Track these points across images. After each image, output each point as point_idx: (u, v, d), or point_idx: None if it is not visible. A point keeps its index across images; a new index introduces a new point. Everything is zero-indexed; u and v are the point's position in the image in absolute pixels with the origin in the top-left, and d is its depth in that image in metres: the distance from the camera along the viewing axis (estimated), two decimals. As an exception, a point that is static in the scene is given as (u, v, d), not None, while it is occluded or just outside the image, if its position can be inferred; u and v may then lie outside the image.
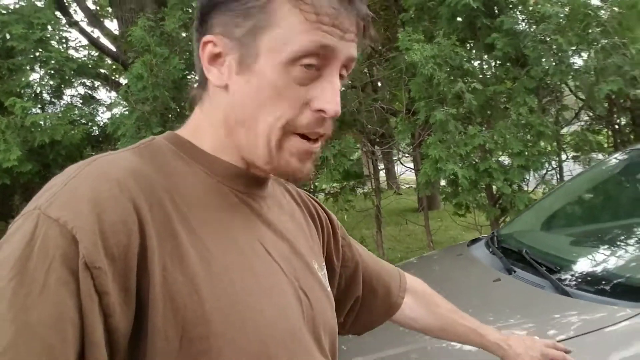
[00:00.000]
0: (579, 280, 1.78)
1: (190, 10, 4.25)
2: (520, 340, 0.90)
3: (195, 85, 0.61)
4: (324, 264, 0.69)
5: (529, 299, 1.73)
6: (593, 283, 1.73)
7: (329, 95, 0.54)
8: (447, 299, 2.16)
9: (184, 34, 3.71)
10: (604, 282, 1.72)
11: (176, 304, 0.47)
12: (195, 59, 0.58)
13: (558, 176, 4.66)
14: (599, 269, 1.87)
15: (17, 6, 4.47)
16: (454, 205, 3.86)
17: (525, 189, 4.26)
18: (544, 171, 4.27)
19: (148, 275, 0.46)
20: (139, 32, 3.53)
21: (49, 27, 4.16)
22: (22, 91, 3.92)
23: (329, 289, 0.66)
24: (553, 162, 4.56)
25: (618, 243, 2.14)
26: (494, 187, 3.88)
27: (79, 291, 0.43)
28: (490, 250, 2.36)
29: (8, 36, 3.75)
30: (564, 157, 4.74)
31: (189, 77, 3.81)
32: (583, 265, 1.94)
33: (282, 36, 0.52)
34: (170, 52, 3.58)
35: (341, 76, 0.57)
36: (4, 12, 3.99)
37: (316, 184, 4.50)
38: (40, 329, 0.41)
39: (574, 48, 3.43)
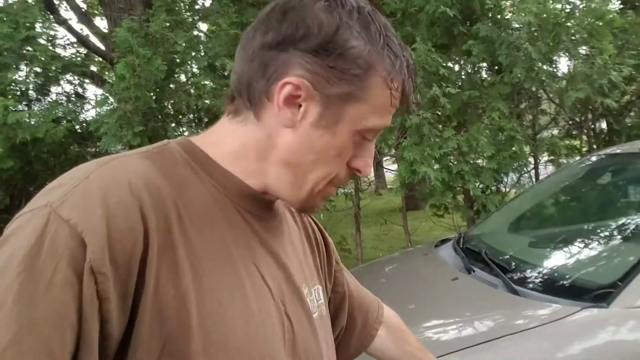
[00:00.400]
0: (529, 280, 1.89)
1: (177, 10, 4.32)
2: None
3: (236, 99, 0.58)
4: (317, 287, 0.69)
5: (481, 297, 1.84)
6: (541, 283, 1.85)
7: (369, 160, 0.60)
8: (410, 299, 2.26)
9: (169, 35, 3.78)
10: (550, 282, 1.83)
11: (163, 317, 0.47)
12: (247, 71, 0.56)
13: (534, 179, 4.80)
14: (548, 269, 1.98)
15: (5, 4, 4.49)
16: (430, 207, 3.98)
17: (503, 190, 4.40)
18: (519, 174, 4.41)
19: (144, 284, 0.46)
20: (123, 33, 3.59)
21: (37, 26, 4.20)
22: (8, 89, 3.96)
23: (315, 314, 0.66)
24: (530, 165, 4.71)
25: (571, 245, 2.26)
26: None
27: (81, 294, 0.43)
28: (455, 250, 2.47)
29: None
30: (540, 160, 4.90)
31: (172, 77, 3.88)
32: (535, 265, 2.05)
33: (366, 111, 0.55)
34: (154, 53, 3.64)
35: None
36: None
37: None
38: (43, 327, 0.41)
39: (544, 56, 3.56)
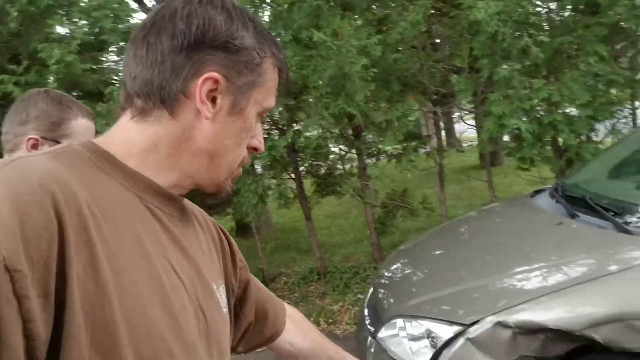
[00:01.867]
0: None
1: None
2: None
3: (140, 101, 0.60)
4: (222, 286, 0.73)
5: (591, 238, 1.88)
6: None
7: (261, 137, 0.69)
8: (511, 246, 2.36)
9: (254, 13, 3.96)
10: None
11: (88, 313, 0.47)
12: (157, 75, 0.59)
13: (632, 124, 4.52)
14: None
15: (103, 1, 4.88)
16: (518, 160, 3.92)
17: (595, 139, 4.21)
18: (615, 120, 4.18)
19: (66, 283, 0.46)
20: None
21: (132, 18, 4.57)
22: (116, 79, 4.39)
23: (225, 309, 0.71)
24: (626, 111, 4.43)
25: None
26: (559, 139, 3.89)
27: None
28: (554, 199, 2.49)
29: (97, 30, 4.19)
30: (638, 104, 4.58)
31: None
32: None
33: (265, 93, 0.65)
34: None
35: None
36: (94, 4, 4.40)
37: (380, 146, 4.69)
38: None
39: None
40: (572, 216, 2.13)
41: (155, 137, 0.60)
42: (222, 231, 0.82)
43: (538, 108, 3.72)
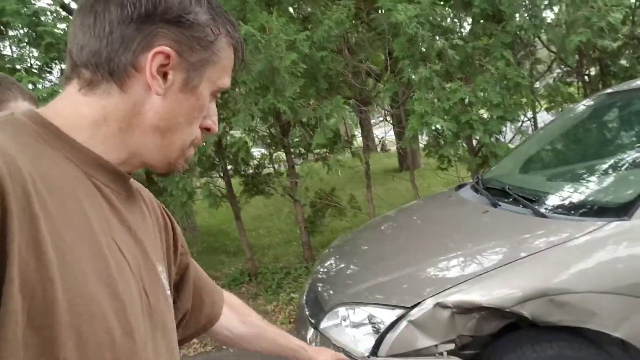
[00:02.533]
0: (554, 206, 2.08)
1: None
2: (316, 348, 1.06)
3: (87, 72, 0.57)
4: (165, 267, 0.71)
5: (513, 223, 2.03)
6: (566, 207, 2.04)
7: (215, 118, 0.67)
8: (444, 233, 2.46)
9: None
10: (574, 206, 2.02)
11: (27, 290, 0.45)
12: (105, 45, 0.56)
13: (533, 127, 4.98)
14: (569, 196, 2.17)
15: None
16: (438, 159, 4.14)
17: (502, 140, 4.57)
18: (520, 122, 4.58)
19: (6, 257, 0.44)
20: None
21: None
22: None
23: (168, 292, 0.69)
24: (529, 114, 4.88)
25: (588, 175, 2.45)
26: (474, 139, 4.16)
27: None
28: (477, 191, 2.65)
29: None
30: (537, 108, 5.07)
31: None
32: (556, 194, 2.24)
33: (220, 71, 0.63)
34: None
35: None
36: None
37: (310, 143, 4.71)
38: None
39: (546, 2, 3.66)
40: (495, 205, 2.28)
41: (104, 110, 0.58)
42: (167, 214, 0.79)
43: (457, 109, 3.96)
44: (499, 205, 2.26)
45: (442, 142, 4.00)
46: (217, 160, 4.41)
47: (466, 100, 3.80)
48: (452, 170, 4.80)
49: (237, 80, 3.60)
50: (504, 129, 4.51)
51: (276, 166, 5.03)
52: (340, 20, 3.72)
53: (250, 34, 3.29)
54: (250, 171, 4.98)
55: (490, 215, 2.18)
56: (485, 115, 3.98)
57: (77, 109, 0.58)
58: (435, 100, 3.75)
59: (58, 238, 0.49)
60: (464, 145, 4.19)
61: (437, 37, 3.70)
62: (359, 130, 5.66)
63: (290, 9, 4.06)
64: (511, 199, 2.25)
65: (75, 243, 0.51)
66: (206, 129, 0.66)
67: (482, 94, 3.73)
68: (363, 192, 5.20)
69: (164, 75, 0.58)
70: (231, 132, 4.50)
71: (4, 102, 1.14)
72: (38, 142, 0.54)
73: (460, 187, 3.03)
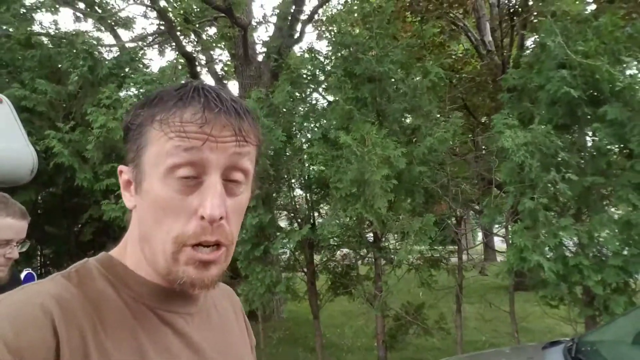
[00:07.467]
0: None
1: (299, 82, 4.72)
2: None
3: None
4: None
5: None
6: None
7: (207, 201, 0.55)
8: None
9: (289, 106, 4.13)
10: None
11: None
12: None
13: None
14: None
15: (159, 71, 5.29)
16: (540, 298, 3.64)
17: (633, 287, 3.87)
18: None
19: None
20: (251, 103, 4.01)
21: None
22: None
23: None
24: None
25: None
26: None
27: None
28: (565, 358, 2.23)
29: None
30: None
31: (288, 144, 4.19)
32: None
33: (157, 152, 0.56)
34: (275, 122, 3.99)
35: (236, 181, 0.58)
36: (147, 78, 4.76)
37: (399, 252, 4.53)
38: None
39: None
40: (578, 387, 1.88)
41: (132, 237, 0.63)
42: (242, 313, 0.81)
43: (567, 247, 3.51)
44: (584, 389, 1.86)
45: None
46: (304, 255, 4.45)
47: (582, 240, 3.33)
48: (564, 307, 4.17)
49: (330, 184, 3.68)
50: (636, 276, 3.83)
51: (366, 268, 4.89)
52: (443, 138, 3.67)
53: (347, 144, 3.39)
54: (339, 270, 4.91)
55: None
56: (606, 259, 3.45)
57: (125, 240, 0.64)
58: (541, 234, 3.37)
59: None
60: (573, 291, 3.63)
61: (549, 168, 3.40)
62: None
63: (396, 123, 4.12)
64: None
65: None
66: (201, 218, 0.56)
67: (597, 235, 3.26)
68: (452, 314, 4.75)
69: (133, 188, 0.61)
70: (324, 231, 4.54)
71: None
72: (102, 284, 0.59)
73: (553, 344, 2.59)
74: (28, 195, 4.40)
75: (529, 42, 8.53)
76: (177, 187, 0.55)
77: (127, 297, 0.58)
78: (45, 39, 5.52)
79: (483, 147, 4.51)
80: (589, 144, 3.75)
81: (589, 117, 3.64)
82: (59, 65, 4.85)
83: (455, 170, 4.84)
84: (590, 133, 3.58)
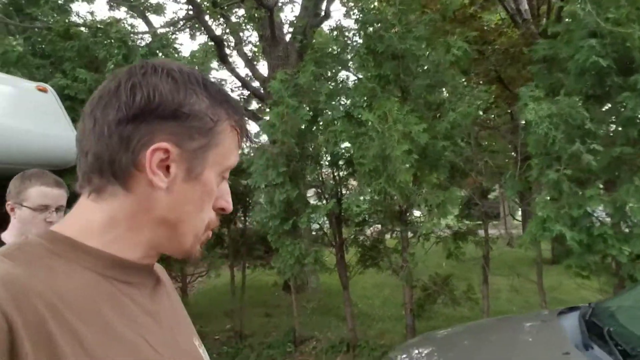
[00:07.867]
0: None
1: (324, 62, 4.80)
2: None
3: (95, 178, 0.60)
4: (198, 339, 0.72)
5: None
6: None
7: (228, 197, 0.66)
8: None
9: (314, 88, 4.25)
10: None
11: None
12: (106, 149, 0.58)
13: None
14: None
15: (190, 55, 5.48)
16: (566, 267, 3.67)
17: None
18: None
19: None
20: (276, 85, 4.15)
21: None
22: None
23: None
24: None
25: None
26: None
27: None
28: (580, 322, 2.32)
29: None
30: None
31: (314, 123, 4.32)
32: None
33: (223, 153, 0.63)
34: (300, 102, 4.12)
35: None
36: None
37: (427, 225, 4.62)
38: None
39: None
40: (586, 347, 1.98)
41: (112, 212, 0.59)
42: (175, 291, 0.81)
43: (593, 217, 3.51)
44: (591, 348, 1.95)
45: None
46: (333, 229, 4.61)
47: (598, 211, 3.33)
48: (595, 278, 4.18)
49: (354, 159, 3.79)
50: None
51: (394, 241, 5.02)
52: (467, 112, 3.70)
53: (369, 122, 3.49)
54: (368, 243, 5.07)
55: (571, 359, 1.90)
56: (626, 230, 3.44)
57: (88, 216, 0.60)
58: (565, 205, 3.39)
59: (81, 351, 0.50)
60: (599, 260, 3.64)
61: (574, 139, 3.38)
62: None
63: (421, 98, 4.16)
64: (606, 345, 1.92)
65: (102, 352, 0.52)
66: (220, 209, 0.66)
67: (624, 206, 3.26)
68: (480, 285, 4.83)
69: (167, 169, 0.59)
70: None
71: (23, 192, 1.50)
72: (52, 260, 0.55)
73: (571, 309, 2.67)
74: (74, 177, 4.72)
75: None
76: (218, 182, 0.64)
77: (81, 269, 0.56)
78: (83, 29, 5.80)
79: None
80: (620, 113, 3.69)
81: (619, 86, 3.58)
82: (96, 55, 5.12)
83: (486, 143, 4.85)
84: (620, 102, 3.52)
